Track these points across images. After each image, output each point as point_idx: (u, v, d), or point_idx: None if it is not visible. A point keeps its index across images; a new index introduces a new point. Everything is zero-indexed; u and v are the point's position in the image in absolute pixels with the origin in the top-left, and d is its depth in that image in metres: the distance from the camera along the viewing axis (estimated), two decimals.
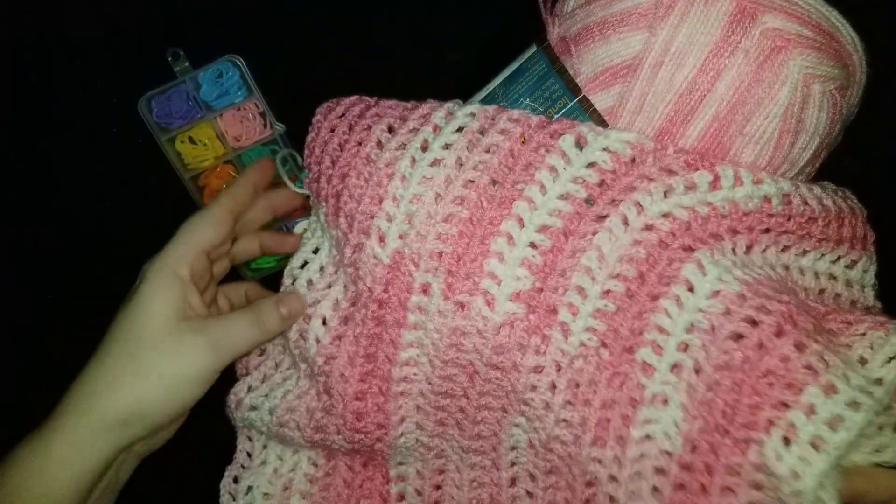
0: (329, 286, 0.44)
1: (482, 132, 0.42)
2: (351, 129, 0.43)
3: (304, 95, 0.53)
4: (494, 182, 0.41)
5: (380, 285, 0.42)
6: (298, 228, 0.57)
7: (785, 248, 0.42)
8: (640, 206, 0.40)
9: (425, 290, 0.41)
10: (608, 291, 0.40)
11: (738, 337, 0.37)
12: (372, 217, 0.41)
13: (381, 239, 0.41)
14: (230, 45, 0.52)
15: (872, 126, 0.46)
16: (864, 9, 0.42)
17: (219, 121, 0.53)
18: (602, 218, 0.40)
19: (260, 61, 0.52)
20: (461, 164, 0.41)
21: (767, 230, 0.41)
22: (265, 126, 0.53)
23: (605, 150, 0.40)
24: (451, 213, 0.41)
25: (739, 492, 0.37)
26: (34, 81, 0.53)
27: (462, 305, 0.40)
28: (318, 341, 0.43)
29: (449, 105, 0.43)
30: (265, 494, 0.47)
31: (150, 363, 0.40)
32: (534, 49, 0.44)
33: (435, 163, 0.41)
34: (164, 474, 0.48)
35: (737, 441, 0.37)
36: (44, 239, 0.55)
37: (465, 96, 0.47)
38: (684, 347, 0.39)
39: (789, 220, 0.41)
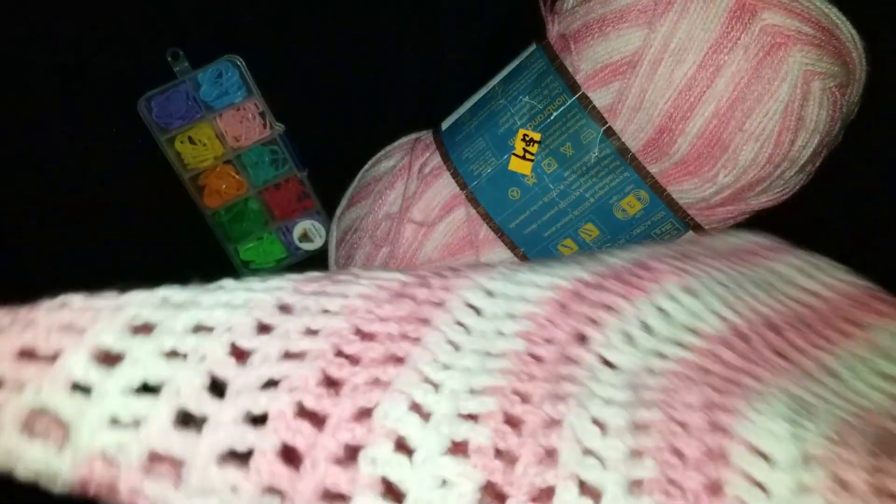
0: None
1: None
2: None
3: (304, 95, 0.53)
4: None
5: None
6: (297, 231, 0.57)
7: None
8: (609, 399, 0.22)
9: None
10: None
11: None
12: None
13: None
14: (230, 45, 0.52)
15: (872, 126, 0.46)
16: (864, 7, 0.41)
17: (218, 121, 0.53)
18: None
19: (260, 61, 0.52)
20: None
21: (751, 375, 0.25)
22: (265, 126, 0.53)
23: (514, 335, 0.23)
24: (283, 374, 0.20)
25: None
26: (34, 81, 0.53)
27: None
28: None
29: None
30: None
31: None
32: (533, 47, 0.44)
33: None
34: None
35: None
36: (43, 239, 0.55)
37: (465, 96, 0.47)
38: None
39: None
